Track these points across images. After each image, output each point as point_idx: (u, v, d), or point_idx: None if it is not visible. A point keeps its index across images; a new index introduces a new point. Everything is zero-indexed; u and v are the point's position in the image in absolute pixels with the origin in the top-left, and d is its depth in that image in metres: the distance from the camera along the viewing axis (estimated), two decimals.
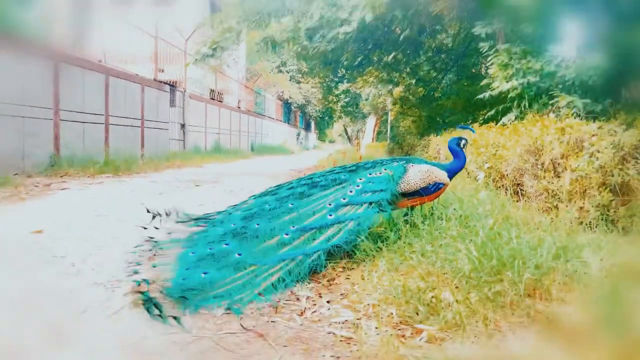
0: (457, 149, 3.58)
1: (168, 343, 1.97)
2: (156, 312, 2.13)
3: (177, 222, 3.27)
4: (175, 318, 2.11)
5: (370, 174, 3.36)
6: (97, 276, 2.75)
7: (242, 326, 2.14)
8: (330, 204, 3.10)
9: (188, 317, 2.21)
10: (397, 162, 3.49)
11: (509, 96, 7.02)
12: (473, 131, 3.89)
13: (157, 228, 3.31)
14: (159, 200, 5.85)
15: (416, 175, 3.35)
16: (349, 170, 3.43)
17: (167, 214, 3.45)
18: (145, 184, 7.79)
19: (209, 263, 2.53)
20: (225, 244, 2.70)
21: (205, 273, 2.43)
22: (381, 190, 3.23)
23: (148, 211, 3.43)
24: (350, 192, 3.22)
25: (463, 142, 3.61)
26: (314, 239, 2.84)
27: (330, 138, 55.56)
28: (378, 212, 3.16)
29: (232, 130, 20.83)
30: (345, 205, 3.12)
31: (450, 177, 3.53)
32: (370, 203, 3.15)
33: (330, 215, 3.03)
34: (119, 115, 10.92)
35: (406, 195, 3.36)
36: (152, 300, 2.22)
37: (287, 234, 2.81)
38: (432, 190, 3.39)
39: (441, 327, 2.05)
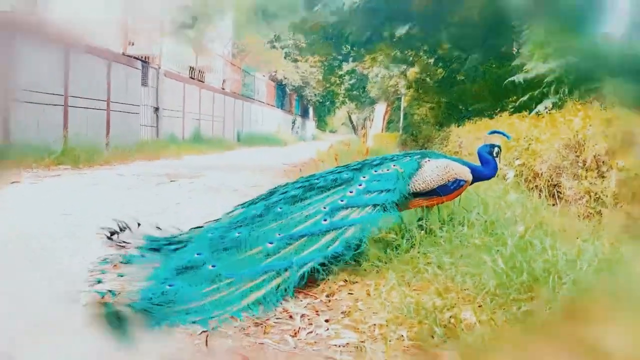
0: (488, 157, 3.59)
1: None
2: (117, 325, 2.14)
3: (142, 247, 3.21)
4: (121, 328, 2.12)
5: (375, 171, 3.40)
6: (52, 287, 2.75)
7: (207, 344, 2.16)
8: (325, 207, 3.14)
9: (159, 336, 2.21)
10: (410, 157, 3.52)
11: (545, 80, 7.02)
12: (508, 137, 3.85)
13: (123, 244, 3.35)
14: (127, 197, 5.86)
15: (432, 171, 3.38)
16: (353, 168, 3.46)
17: (125, 229, 3.47)
18: (111, 177, 7.80)
19: (181, 277, 2.60)
20: (197, 254, 2.76)
21: (170, 285, 2.49)
22: (387, 190, 3.27)
23: (108, 237, 3.43)
24: (350, 192, 3.25)
25: (496, 150, 3.61)
26: (304, 249, 2.89)
27: (332, 127, 55.55)
28: (383, 215, 3.19)
29: (215, 116, 20.83)
30: (344, 208, 3.16)
31: (474, 180, 3.54)
32: (375, 205, 3.18)
33: (325, 220, 3.06)
34: (80, 96, 10.91)
35: (420, 194, 3.38)
36: (117, 313, 2.23)
37: (270, 243, 2.86)
38: (451, 188, 3.41)
39: (461, 352, 2.05)
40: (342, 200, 3.20)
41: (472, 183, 3.60)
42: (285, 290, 2.67)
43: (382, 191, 3.26)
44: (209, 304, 2.43)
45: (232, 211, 3.31)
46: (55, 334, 2.21)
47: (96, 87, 11.58)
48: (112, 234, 3.48)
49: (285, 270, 2.73)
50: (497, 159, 3.63)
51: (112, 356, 2.05)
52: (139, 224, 3.55)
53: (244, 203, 3.40)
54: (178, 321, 2.29)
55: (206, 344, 2.19)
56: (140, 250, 3.21)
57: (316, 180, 3.36)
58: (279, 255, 2.82)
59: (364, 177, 3.35)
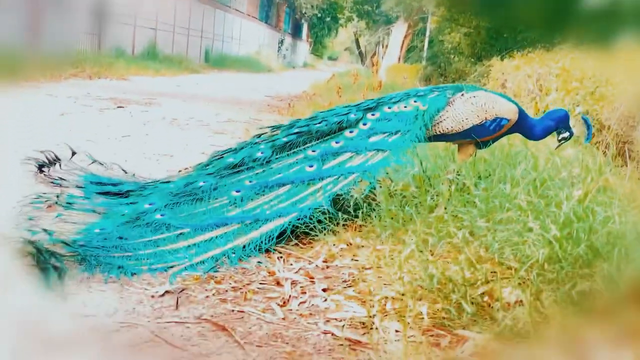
0: (550, 123, 3.59)
1: (83, 329, 2.06)
2: (50, 269, 2.33)
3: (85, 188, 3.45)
4: (56, 269, 2.33)
5: (389, 108, 3.46)
6: None
7: (177, 306, 2.32)
8: (314, 151, 3.28)
9: (108, 292, 2.30)
10: (439, 91, 3.55)
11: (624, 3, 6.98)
12: (587, 139, 3.72)
13: (59, 180, 3.54)
14: (59, 126, 5.87)
15: (466, 106, 3.42)
16: (365, 107, 3.51)
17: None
18: (39, 98, 7.77)
19: (129, 225, 2.91)
20: (149, 204, 3.03)
21: (101, 229, 2.82)
22: (398, 132, 3.35)
23: (40, 167, 3.65)
24: (351, 132, 3.36)
25: (567, 134, 3.59)
26: (282, 201, 3.08)
27: (332, 53, 55.07)
28: (388, 164, 3.31)
29: (177, 27, 20.56)
30: (339, 152, 3.29)
31: (516, 127, 3.56)
32: (380, 151, 3.30)
33: (312, 166, 3.21)
34: None
35: (448, 137, 3.47)
36: (51, 255, 2.42)
37: (237, 191, 3.09)
38: (490, 129, 3.45)
39: (496, 335, 2.15)
40: (337, 142, 3.31)
41: (512, 131, 3.63)
42: (257, 247, 2.89)
43: (391, 133, 3.35)
44: (157, 253, 2.72)
45: (207, 163, 3.43)
46: None
47: None
48: (41, 166, 3.62)
49: (253, 223, 2.96)
50: (559, 138, 3.62)
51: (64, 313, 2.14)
52: (73, 153, 3.79)
53: (222, 151, 3.51)
54: (122, 267, 2.55)
55: (176, 306, 2.31)
56: (83, 190, 3.38)
57: (317, 125, 3.42)
58: (246, 206, 3.03)
59: (373, 114, 3.43)
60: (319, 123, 3.43)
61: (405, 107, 3.46)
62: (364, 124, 3.39)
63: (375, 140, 3.33)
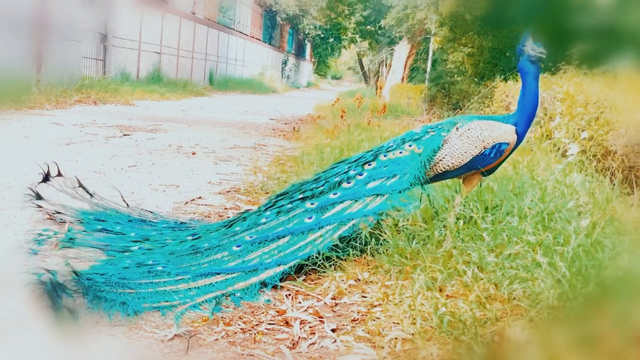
0: (527, 71, 3.49)
1: None
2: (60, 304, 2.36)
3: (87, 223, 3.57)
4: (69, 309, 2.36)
5: (384, 156, 3.51)
6: None
7: (187, 351, 2.30)
8: (312, 204, 3.35)
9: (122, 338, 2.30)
10: (435, 130, 3.54)
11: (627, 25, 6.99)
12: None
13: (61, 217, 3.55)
14: (66, 156, 5.88)
15: (462, 141, 3.39)
16: (364, 162, 3.55)
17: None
18: (44, 126, 7.80)
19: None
20: (152, 261, 3.08)
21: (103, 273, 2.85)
22: (395, 176, 3.40)
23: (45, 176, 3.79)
24: (348, 183, 3.42)
25: (534, 50, 3.46)
26: (279, 250, 3.16)
27: (335, 72, 55.32)
28: (388, 207, 3.35)
29: (181, 50, 20.67)
30: (336, 202, 3.35)
31: (523, 131, 3.51)
32: (379, 195, 3.35)
33: (310, 218, 3.29)
34: None
35: (451, 173, 3.45)
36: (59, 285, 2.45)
37: (238, 246, 3.18)
38: (491, 156, 3.42)
39: None
40: (334, 194, 3.37)
41: (515, 148, 3.58)
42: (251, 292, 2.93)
43: (389, 177, 3.39)
44: (159, 292, 2.79)
45: (215, 229, 3.50)
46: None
47: (17, 3, 11.46)
48: (39, 197, 3.73)
49: (252, 271, 3.03)
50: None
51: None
52: (80, 184, 3.89)
53: (231, 220, 3.58)
54: (126, 304, 2.60)
55: (186, 351, 2.30)
56: (85, 226, 3.46)
57: (320, 188, 3.47)
58: (247, 257, 3.11)
59: (370, 165, 3.50)
60: (322, 185, 3.48)
61: (400, 152, 3.49)
62: (360, 175, 3.45)
63: (373, 185, 3.39)
